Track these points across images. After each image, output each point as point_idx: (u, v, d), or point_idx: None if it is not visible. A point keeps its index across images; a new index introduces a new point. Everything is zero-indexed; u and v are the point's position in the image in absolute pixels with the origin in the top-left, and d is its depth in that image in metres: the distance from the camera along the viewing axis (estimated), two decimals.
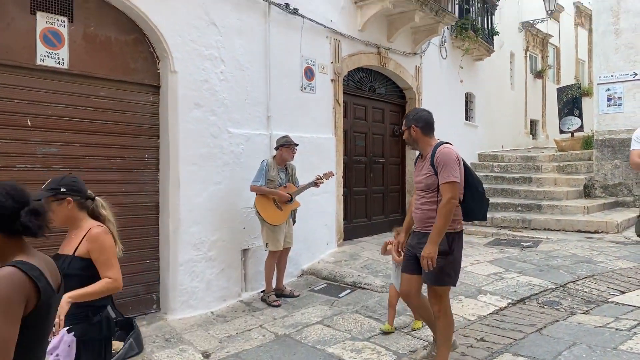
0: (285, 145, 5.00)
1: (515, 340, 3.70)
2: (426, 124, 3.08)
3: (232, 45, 5.15)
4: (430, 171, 2.97)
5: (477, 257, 6.27)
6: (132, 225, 4.48)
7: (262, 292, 5.12)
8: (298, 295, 5.11)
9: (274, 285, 5.07)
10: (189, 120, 4.69)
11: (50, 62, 3.96)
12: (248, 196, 5.17)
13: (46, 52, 3.93)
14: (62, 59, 4.02)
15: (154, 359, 3.63)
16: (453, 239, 2.99)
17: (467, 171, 3.06)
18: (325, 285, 5.47)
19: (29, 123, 3.88)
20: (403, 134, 3.19)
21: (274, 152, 5.33)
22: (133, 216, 4.49)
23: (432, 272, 2.96)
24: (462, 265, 6.02)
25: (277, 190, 4.90)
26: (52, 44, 3.97)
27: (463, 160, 3.06)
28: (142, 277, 4.56)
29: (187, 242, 4.63)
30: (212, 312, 4.68)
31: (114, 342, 3.73)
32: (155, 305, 4.65)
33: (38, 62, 3.89)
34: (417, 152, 3.26)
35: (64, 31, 4.03)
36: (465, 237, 7.79)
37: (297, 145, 5.08)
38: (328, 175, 5.27)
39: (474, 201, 3.08)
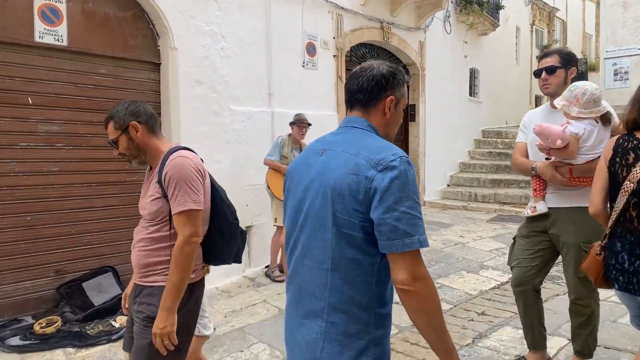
0: (295, 123, 5.00)
1: (516, 314, 3.71)
2: (151, 117, 2.02)
3: (232, 21, 5.07)
4: (157, 192, 1.90)
5: (480, 233, 6.29)
6: (136, 203, 4.49)
7: (266, 267, 5.18)
8: None
9: (278, 261, 5.12)
10: (190, 98, 4.65)
11: (49, 39, 3.91)
12: (250, 174, 5.17)
13: (45, 29, 3.88)
14: (61, 36, 3.97)
15: None
16: (190, 291, 1.92)
17: (214, 191, 2.05)
18: None
19: (30, 101, 3.86)
20: (115, 145, 2.03)
21: (276, 130, 5.32)
22: (136, 194, 4.48)
23: (143, 348, 1.85)
24: (465, 241, 6.13)
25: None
26: (51, 21, 3.91)
27: (211, 176, 2.06)
28: None
29: None
30: (216, 288, 4.74)
31: (121, 317, 3.81)
32: None
33: (37, 39, 3.84)
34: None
35: (62, 7, 3.97)
36: (467, 214, 7.88)
37: (309, 125, 5.06)
38: None
39: (222, 236, 2.04)
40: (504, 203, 8.17)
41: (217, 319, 3.97)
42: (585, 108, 2.33)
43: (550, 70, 2.57)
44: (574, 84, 2.40)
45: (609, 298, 3.91)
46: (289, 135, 5.07)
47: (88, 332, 3.58)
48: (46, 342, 3.41)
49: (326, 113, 6.38)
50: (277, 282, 4.84)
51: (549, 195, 2.58)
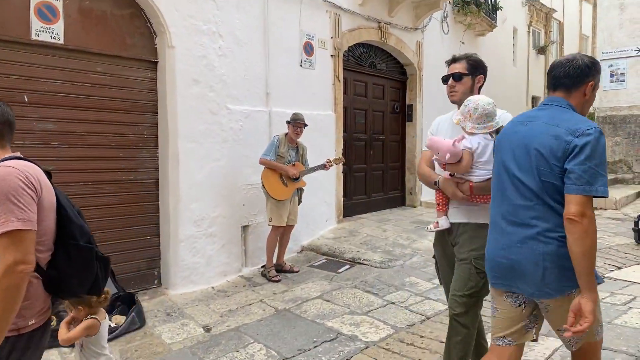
0: (291, 123, 5.00)
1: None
2: (3, 123, 1.76)
3: (230, 20, 5.06)
4: None
5: None
6: (132, 202, 4.49)
7: (262, 267, 5.17)
8: (298, 271, 5.16)
9: (274, 261, 5.12)
10: (188, 97, 4.64)
11: (45, 37, 3.89)
12: (248, 173, 5.17)
13: (41, 27, 3.86)
14: (58, 33, 3.95)
15: (156, 332, 3.69)
16: (14, 347, 1.57)
17: (61, 209, 1.69)
18: (324, 260, 5.52)
19: (26, 99, 3.84)
20: None
21: (274, 129, 5.31)
22: (133, 193, 4.49)
23: None
24: None
25: (284, 166, 4.93)
26: (47, 19, 3.89)
27: (59, 192, 1.71)
28: (143, 253, 4.59)
29: (187, 219, 4.65)
30: (212, 287, 4.74)
31: (116, 316, 3.80)
32: (156, 280, 4.70)
33: (33, 37, 3.83)
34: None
35: (59, 5, 3.95)
36: None
37: (305, 125, 5.07)
38: (338, 160, 5.44)
39: (70, 264, 1.67)
40: None
41: (213, 318, 3.97)
42: (478, 123, 2.27)
43: (457, 77, 2.46)
44: (468, 98, 2.33)
45: (603, 299, 3.93)
46: (286, 134, 5.06)
47: None
48: None
49: (323, 113, 6.37)
50: (273, 282, 4.84)
51: (451, 209, 2.48)
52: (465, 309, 2.38)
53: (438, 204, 2.50)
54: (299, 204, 5.23)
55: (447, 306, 4.06)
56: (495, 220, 1.99)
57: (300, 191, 5.21)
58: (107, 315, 2.31)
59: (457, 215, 2.46)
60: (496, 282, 2.00)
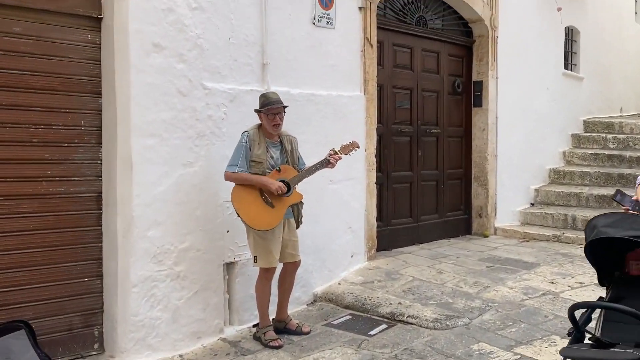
0: (262, 110, 4.86)
1: None
2: None
3: None
4: None
5: (580, 278, 6.23)
6: (63, 227, 4.53)
7: (255, 326, 5.18)
8: (309, 332, 5.15)
9: (272, 317, 5.11)
10: (146, 70, 4.69)
11: None
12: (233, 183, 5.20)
13: None
14: None
15: None
16: None
17: None
18: (349, 317, 5.51)
19: None
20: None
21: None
22: (63, 213, 4.53)
23: None
24: (558, 289, 6.08)
25: (260, 178, 4.78)
26: None
27: None
28: (77, 303, 4.62)
29: (143, 252, 4.68)
30: (180, 356, 4.76)
31: None
32: (97, 344, 4.73)
33: None
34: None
35: None
36: (562, 248, 7.81)
37: (285, 107, 4.93)
38: (349, 148, 5.11)
39: None
40: None
41: None
42: None
43: None
44: None
45: None
46: (259, 126, 4.98)
47: None
48: None
49: (347, 93, 6.39)
50: (271, 348, 4.83)
51: None
52: None
53: None
54: (297, 228, 5.13)
55: None
56: None
57: (296, 208, 5.11)
58: None
59: None
60: None
